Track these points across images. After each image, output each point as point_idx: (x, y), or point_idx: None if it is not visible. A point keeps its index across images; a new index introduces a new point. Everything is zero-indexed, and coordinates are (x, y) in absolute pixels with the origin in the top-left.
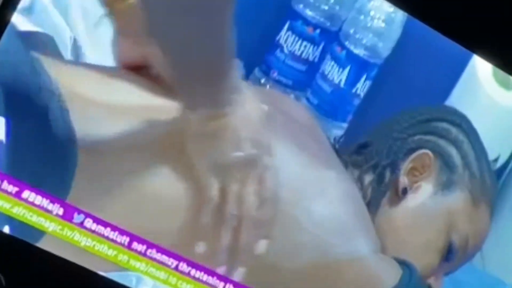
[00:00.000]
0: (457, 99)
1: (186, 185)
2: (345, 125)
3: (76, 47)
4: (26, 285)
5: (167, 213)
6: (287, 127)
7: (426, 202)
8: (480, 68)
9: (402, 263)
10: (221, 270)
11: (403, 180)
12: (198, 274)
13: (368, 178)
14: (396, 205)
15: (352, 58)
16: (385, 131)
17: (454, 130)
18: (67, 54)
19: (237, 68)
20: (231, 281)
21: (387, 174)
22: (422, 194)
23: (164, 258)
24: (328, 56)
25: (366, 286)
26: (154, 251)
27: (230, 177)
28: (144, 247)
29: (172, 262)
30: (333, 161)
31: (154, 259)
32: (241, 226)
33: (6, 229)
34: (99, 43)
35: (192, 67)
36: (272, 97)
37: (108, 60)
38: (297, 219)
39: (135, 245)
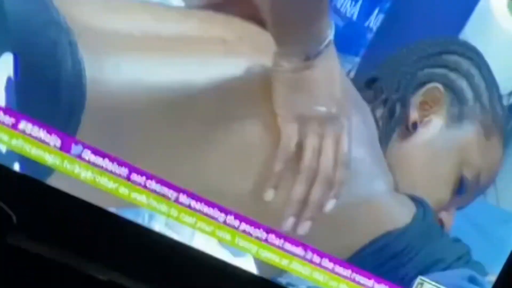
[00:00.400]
0: (470, 33)
1: (267, 132)
2: (357, 59)
3: None
4: (38, 224)
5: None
6: None
7: (437, 136)
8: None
9: (416, 201)
10: (289, 221)
11: (414, 114)
12: (198, 205)
13: (377, 113)
14: (407, 140)
15: None
16: (394, 65)
17: (465, 63)
18: None
19: (329, 21)
20: (231, 212)
21: (397, 108)
22: (433, 128)
23: (164, 189)
24: None
25: (382, 226)
26: (153, 182)
27: (310, 130)
28: (144, 178)
29: (172, 194)
30: (357, 96)
31: (154, 191)
32: (316, 181)
33: (16, 167)
34: None
35: (291, 9)
36: None
37: None
38: None
39: (134, 176)
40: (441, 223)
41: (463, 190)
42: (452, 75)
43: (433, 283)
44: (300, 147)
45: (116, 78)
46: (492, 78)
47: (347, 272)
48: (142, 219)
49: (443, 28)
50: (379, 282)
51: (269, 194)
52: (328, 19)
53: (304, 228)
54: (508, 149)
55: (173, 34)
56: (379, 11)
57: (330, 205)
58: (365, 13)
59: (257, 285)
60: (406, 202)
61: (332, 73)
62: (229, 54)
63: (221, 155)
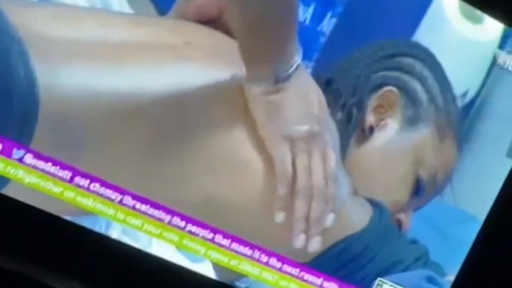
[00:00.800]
0: (423, 35)
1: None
2: (311, 64)
3: None
4: None
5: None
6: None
7: (392, 139)
8: (446, 2)
9: (372, 203)
10: (300, 238)
11: (369, 118)
12: (143, 207)
13: (337, 117)
14: (364, 144)
15: None
16: (347, 68)
17: (418, 65)
18: None
19: (297, 45)
20: (178, 214)
21: (354, 112)
22: (389, 132)
23: (108, 192)
24: None
25: (342, 230)
26: (97, 185)
27: (299, 149)
28: (88, 181)
29: (116, 196)
30: None
31: (99, 194)
32: (313, 198)
33: None
34: None
35: (259, 35)
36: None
37: None
38: None
39: (77, 179)
40: (399, 225)
41: (420, 190)
42: (406, 78)
43: (392, 284)
44: (294, 166)
45: (69, 87)
46: (446, 80)
47: (295, 271)
48: (99, 227)
49: (396, 31)
50: (328, 281)
51: (280, 217)
52: (296, 44)
53: (315, 245)
54: (464, 150)
55: (120, 41)
56: (332, 15)
57: (330, 220)
58: (318, 17)
59: None
60: (364, 205)
61: (306, 93)
62: (178, 59)
63: (178, 162)
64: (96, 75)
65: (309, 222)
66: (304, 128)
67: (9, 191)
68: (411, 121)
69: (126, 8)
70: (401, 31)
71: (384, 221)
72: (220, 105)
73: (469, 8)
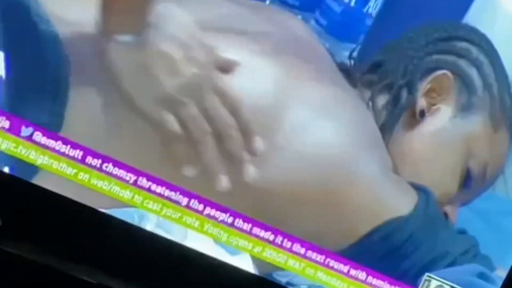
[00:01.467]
0: (475, 17)
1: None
2: (357, 46)
3: None
4: (25, 226)
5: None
6: (283, 42)
7: (444, 126)
8: None
9: (418, 188)
10: (224, 179)
11: (421, 102)
12: (159, 189)
13: (382, 99)
14: (413, 129)
15: None
16: (400, 49)
17: (474, 50)
18: None
19: None
20: (196, 196)
21: (404, 95)
22: (441, 117)
23: (122, 172)
24: None
25: (379, 213)
26: (110, 165)
27: (181, 105)
28: (100, 161)
29: (130, 177)
30: (337, 78)
31: (112, 174)
32: (223, 137)
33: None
34: None
35: None
36: (268, 13)
37: None
38: (294, 137)
39: (89, 159)
40: (446, 217)
41: (470, 183)
42: (462, 63)
43: (442, 279)
44: (184, 124)
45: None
46: (502, 68)
47: (320, 258)
48: (132, 220)
49: (446, 11)
50: (355, 269)
51: (190, 170)
52: None
53: (250, 172)
54: None
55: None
56: None
57: (258, 143)
58: None
59: (256, 285)
60: (407, 189)
61: (179, 35)
62: None
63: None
64: None
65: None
66: (180, 80)
67: (41, 181)
68: (465, 109)
69: None
70: (451, 12)
71: (431, 208)
72: None
73: None
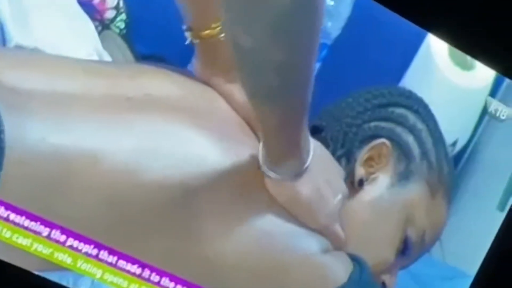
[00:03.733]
0: (411, 80)
1: None
2: None
3: (2, 32)
4: None
5: None
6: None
7: (383, 195)
8: (435, 47)
9: (353, 259)
10: None
11: (359, 171)
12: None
13: None
14: (352, 198)
15: None
16: (338, 115)
17: (411, 117)
18: None
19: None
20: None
21: (343, 163)
22: (379, 186)
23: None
24: None
25: (315, 285)
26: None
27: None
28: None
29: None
30: None
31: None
32: None
33: None
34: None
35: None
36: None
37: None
38: (239, 217)
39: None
40: (384, 285)
41: (407, 250)
42: (399, 130)
43: None
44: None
45: (32, 141)
46: (439, 133)
47: None
48: (67, 282)
49: (382, 77)
50: None
51: None
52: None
53: None
54: (453, 203)
55: (79, 92)
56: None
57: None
58: None
59: None
60: (343, 260)
61: (325, 164)
62: (133, 111)
63: None
64: (54, 128)
65: None
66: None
67: None
68: (403, 177)
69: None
70: (388, 77)
71: (364, 278)
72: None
73: (460, 54)
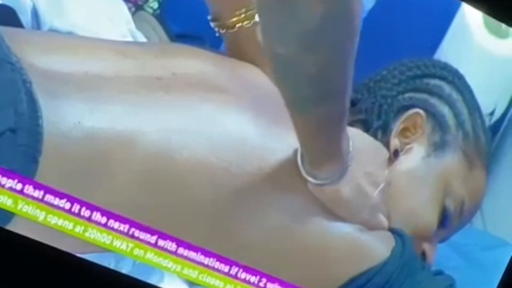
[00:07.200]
0: (447, 51)
1: None
2: None
3: (37, 16)
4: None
5: None
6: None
7: (418, 165)
8: (470, 16)
9: (395, 233)
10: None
11: (394, 142)
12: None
13: None
14: (388, 169)
15: None
16: (373, 88)
17: (447, 87)
18: (29, 24)
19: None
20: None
21: (379, 135)
22: (414, 157)
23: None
24: None
25: (357, 261)
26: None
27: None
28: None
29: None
30: None
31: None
32: None
33: None
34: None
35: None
36: (236, 63)
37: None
38: (275, 199)
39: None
40: (424, 256)
41: (447, 221)
42: (434, 100)
43: None
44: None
45: (71, 124)
46: (475, 104)
47: None
48: (108, 263)
49: (418, 48)
50: None
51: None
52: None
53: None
54: (493, 171)
55: (112, 74)
56: None
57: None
58: None
59: None
60: (385, 235)
61: (367, 158)
62: (168, 90)
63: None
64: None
65: None
66: (374, 203)
67: (15, 227)
68: (438, 147)
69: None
70: (423, 49)
71: (407, 252)
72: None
73: (495, 22)
